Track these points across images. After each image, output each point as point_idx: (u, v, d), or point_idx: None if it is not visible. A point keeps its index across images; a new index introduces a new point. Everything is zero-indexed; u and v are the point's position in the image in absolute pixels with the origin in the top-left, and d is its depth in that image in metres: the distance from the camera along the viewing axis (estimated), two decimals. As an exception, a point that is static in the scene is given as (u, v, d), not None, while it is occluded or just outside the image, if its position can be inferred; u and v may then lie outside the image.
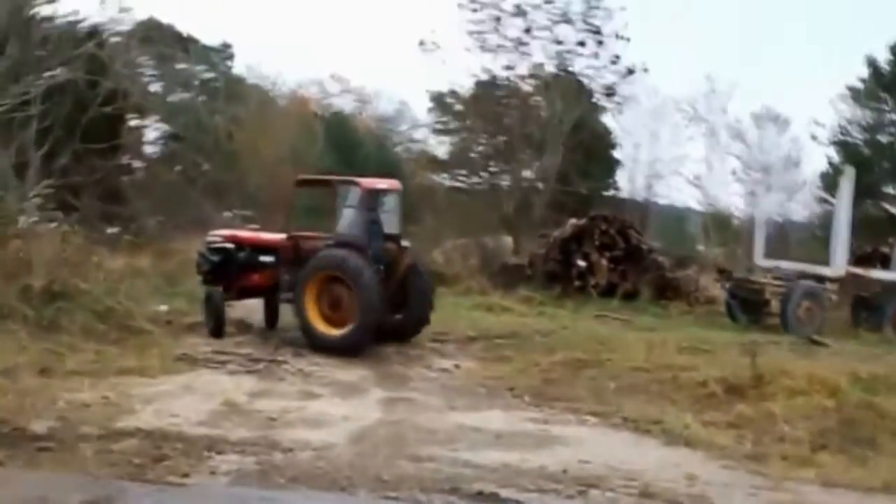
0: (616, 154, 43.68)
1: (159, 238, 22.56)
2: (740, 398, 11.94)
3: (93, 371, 11.34)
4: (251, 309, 18.62)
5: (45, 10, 21.18)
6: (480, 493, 7.55)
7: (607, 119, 39.36)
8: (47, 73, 19.43)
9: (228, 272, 15.40)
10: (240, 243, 15.57)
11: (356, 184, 15.18)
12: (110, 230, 19.07)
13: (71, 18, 21.68)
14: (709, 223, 43.59)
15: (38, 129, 19.40)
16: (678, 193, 58.88)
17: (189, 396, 10.57)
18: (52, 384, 10.29)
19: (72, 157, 20.88)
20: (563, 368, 14.07)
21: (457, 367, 14.15)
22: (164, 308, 16.74)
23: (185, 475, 7.41)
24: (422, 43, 29.58)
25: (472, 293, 22.69)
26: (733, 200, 44.25)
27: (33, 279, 13.93)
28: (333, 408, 10.67)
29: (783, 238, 42.65)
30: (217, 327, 15.00)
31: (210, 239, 15.81)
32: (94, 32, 21.72)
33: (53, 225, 15.91)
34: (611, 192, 43.25)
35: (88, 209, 20.26)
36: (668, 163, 47.70)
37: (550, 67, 30.00)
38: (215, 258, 15.40)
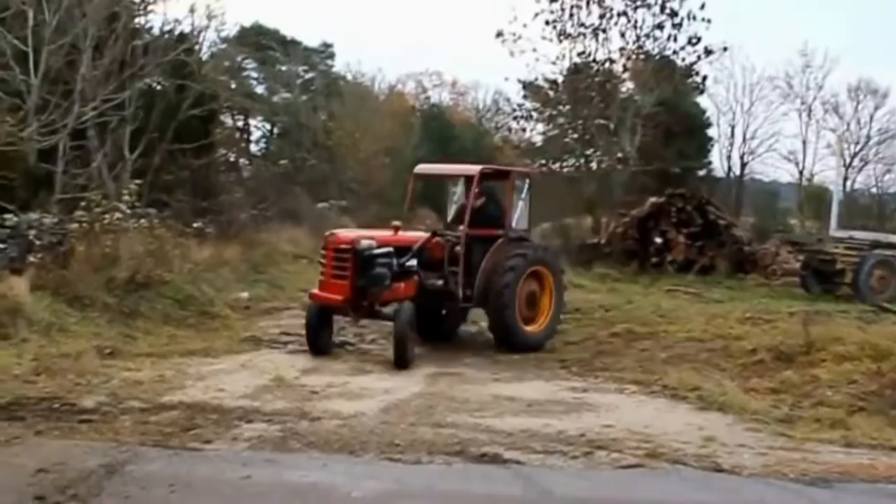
0: (710, 133, 43.14)
1: (250, 229, 23.20)
2: (788, 365, 11.77)
3: (160, 353, 11.88)
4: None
5: (138, 20, 22.12)
6: (484, 455, 7.65)
7: (702, 99, 38.84)
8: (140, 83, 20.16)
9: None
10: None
11: (528, 175, 14.88)
12: (198, 223, 19.67)
13: (163, 27, 22.46)
14: (803, 197, 42.59)
15: (132, 131, 20.16)
16: (773, 169, 57.77)
17: (242, 373, 10.94)
18: (114, 365, 10.80)
19: (165, 157, 21.65)
20: (618, 341, 14.05)
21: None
22: (245, 295, 17.32)
23: (207, 441, 7.73)
24: (499, 34, 29.54)
25: (549, 272, 22.63)
26: (828, 174, 43.15)
27: (119, 271, 14.59)
28: (378, 382, 10.88)
29: (881, 209, 41.44)
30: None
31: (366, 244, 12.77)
32: (184, 39, 22.45)
33: (142, 220, 16.49)
34: (704, 171, 42.73)
35: (181, 205, 20.96)
36: (763, 139, 46.95)
37: (629, 52, 29.57)
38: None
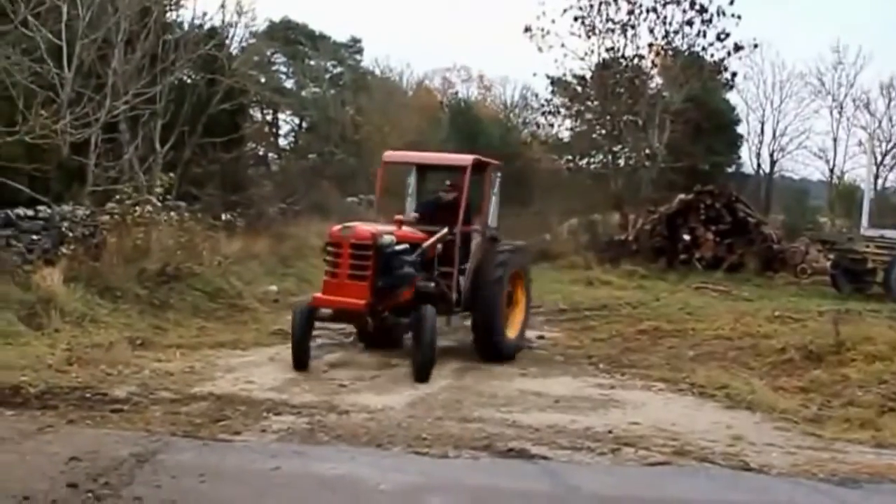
0: (740, 129, 42.84)
1: (279, 223, 23.34)
2: (818, 364, 11.67)
3: (189, 344, 12.03)
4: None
5: (170, 15, 22.34)
6: (511, 450, 7.65)
7: (732, 95, 38.61)
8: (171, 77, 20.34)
9: None
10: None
11: (500, 168, 13.27)
12: (227, 216, 19.85)
13: (194, 22, 22.64)
14: (833, 195, 42.22)
15: (163, 125, 20.34)
16: (803, 167, 57.21)
17: (271, 366, 11.03)
18: (145, 356, 10.96)
19: (195, 151, 21.85)
20: (645, 338, 14.06)
21: (540, 337, 14.22)
22: (273, 288, 17.44)
23: (237, 433, 7.79)
24: (527, 29, 29.52)
25: (576, 268, 22.71)
26: (859, 172, 42.72)
27: (149, 263, 14.77)
28: (406, 376, 10.88)
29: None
30: None
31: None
32: (215, 34, 22.62)
33: (172, 213, 16.66)
34: (733, 168, 42.46)
35: (211, 198, 21.12)
36: (793, 137, 46.56)
37: (658, 47, 29.45)
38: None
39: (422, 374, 10.67)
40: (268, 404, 8.90)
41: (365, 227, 11.45)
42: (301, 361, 10.95)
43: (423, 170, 13.50)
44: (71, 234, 15.40)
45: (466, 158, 12.57)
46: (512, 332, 12.61)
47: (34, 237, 15.41)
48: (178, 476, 6.44)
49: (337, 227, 11.53)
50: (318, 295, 11.27)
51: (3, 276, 12.79)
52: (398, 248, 11.20)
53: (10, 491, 5.94)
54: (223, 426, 7.93)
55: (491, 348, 12.15)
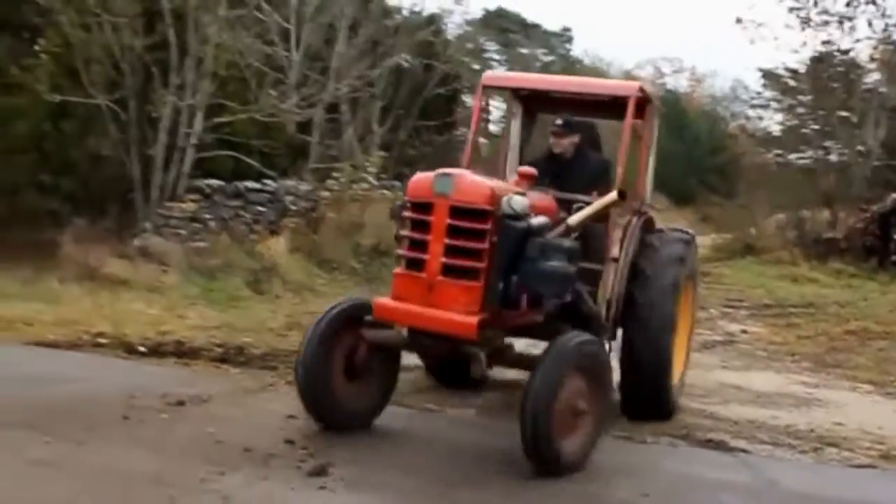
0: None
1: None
2: None
3: (399, 318, 12.31)
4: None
5: (390, 1, 23.05)
6: (710, 441, 7.47)
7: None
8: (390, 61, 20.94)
9: None
10: None
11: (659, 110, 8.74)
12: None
13: (413, 8, 23.27)
14: None
15: (381, 107, 20.98)
16: None
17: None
18: (388, 327, 11.32)
19: (410, 133, 22.44)
20: (852, 338, 13.37)
21: (743, 332, 13.81)
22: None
23: (441, 404, 7.97)
24: (739, 20, 28.49)
25: (782, 264, 21.88)
26: None
27: (364, 238, 15.28)
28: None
29: None
30: None
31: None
32: (433, 20, 23.14)
33: (386, 192, 17.17)
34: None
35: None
36: None
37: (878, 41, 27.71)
38: None
39: (537, 459, 6.03)
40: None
41: (478, 179, 6.30)
42: (320, 411, 6.59)
43: (535, 104, 8.60)
44: (294, 208, 16.14)
45: (627, 86, 8.24)
46: (675, 374, 8.07)
47: (260, 209, 16.23)
48: (401, 443, 6.69)
49: (424, 176, 6.36)
50: (381, 300, 6.56)
51: (233, 244, 13.53)
52: (536, 221, 6.22)
53: (234, 442, 6.28)
54: (429, 398, 8.10)
55: (653, 397, 7.70)
